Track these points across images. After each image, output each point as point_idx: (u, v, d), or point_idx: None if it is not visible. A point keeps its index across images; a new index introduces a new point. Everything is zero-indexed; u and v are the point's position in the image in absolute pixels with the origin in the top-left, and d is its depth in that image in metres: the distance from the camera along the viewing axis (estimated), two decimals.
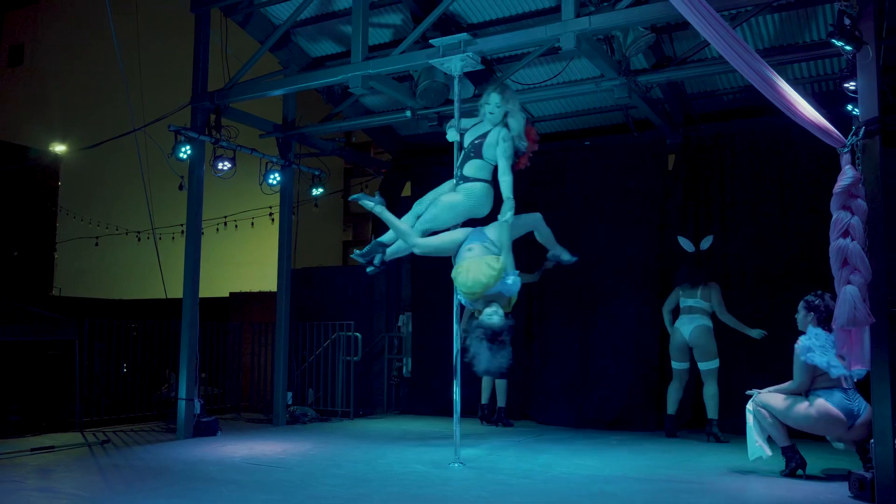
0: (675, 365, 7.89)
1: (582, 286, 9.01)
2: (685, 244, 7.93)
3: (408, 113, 8.09)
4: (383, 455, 6.69)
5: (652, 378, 8.51)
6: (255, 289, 11.82)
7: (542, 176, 9.61)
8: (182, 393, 7.82)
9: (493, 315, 5.44)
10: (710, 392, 7.59)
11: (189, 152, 7.82)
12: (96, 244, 15.60)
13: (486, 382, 8.94)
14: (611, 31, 6.26)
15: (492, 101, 5.84)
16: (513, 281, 5.48)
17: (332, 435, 8.11)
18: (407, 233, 5.81)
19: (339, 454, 6.80)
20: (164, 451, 6.94)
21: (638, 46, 6.80)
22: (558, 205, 9.42)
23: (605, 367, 8.73)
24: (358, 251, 6.02)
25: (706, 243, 7.88)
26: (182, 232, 13.04)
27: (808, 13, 7.30)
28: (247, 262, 15.16)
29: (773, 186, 8.31)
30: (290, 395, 9.24)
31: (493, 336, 5.35)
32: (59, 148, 18.82)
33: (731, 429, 7.52)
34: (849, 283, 4.77)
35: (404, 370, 10.48)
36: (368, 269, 6.04)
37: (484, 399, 8.94)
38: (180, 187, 8.05)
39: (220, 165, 8.21)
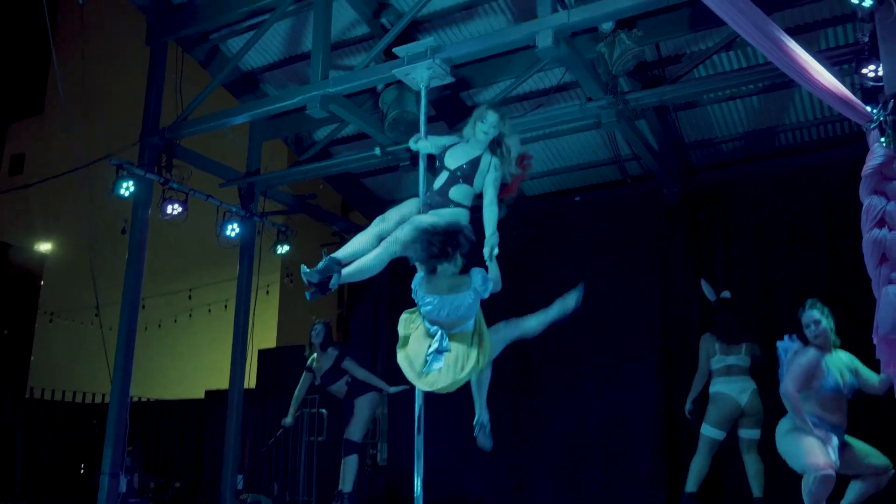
0: (711, 433, 6.37)
1: (577, 351, 8.00)
2: (707, 291, 6.85)
3: (377, 150, 7.34)
4: None
5: (660, 451, 7.40)
6: None
7: (530, 238, 8.80)
8: (105, 468, 6.68)
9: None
10: (759, 466, 6.26)
11: (132, 189, 7.04)
12: (75, 341, 14.66)
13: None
14: (592, 24, 5.60)
15: (488, 120, 5.02)
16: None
17: None
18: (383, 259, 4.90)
19: None
20: None
21: (625, 61, 6.10)
22: (550, 267, 8.56)
23: (605, 441, 7.60)
24: (308, 269, 4.93)
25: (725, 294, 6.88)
26: (175, 320, 11.99)
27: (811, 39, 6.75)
28: (223, 353, 14.13)
29: (780, 234, 7.48)
30: (240, 478, 7.98)
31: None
32: (45, 246, 18.30)
33: None
34: (890, 282, 3.86)
35: (379, 458, 9.25)
36: (309, 293, 4.94)
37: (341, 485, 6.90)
38: (123, 231, 7.24)
39: (168, 209, 7.41)
